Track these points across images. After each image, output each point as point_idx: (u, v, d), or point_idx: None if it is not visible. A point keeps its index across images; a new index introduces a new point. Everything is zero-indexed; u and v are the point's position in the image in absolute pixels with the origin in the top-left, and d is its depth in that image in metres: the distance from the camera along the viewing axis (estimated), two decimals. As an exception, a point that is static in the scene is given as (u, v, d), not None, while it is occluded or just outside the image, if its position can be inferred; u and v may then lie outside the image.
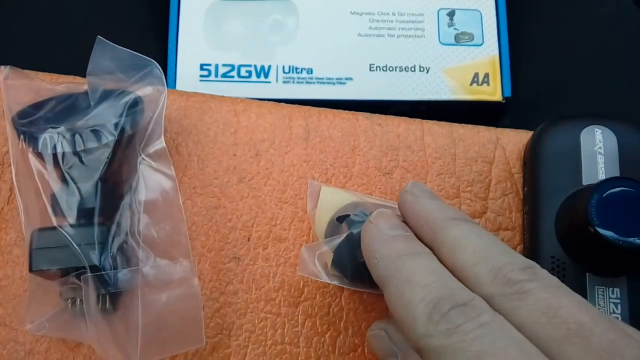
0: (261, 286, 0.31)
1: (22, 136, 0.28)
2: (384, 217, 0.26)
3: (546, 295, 0.20)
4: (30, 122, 0.28)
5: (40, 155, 0.28)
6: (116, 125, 0.28)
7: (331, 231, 0.30)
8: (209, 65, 0.40)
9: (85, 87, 0.31)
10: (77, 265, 0.26)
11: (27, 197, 0.28)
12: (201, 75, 0.40)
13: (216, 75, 0.40)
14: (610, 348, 0.19)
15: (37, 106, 0.30)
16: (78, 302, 0.28)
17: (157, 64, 0.30)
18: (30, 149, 0.28)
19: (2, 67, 0.31)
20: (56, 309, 0.28)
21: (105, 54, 0.29)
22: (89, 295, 0.27)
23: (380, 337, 0.27)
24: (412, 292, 0.21)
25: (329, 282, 0.28)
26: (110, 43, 0.30)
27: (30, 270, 0.27)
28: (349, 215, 0.29)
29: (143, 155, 0.30)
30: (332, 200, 0.30)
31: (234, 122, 0.34)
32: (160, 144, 0.30)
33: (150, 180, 0.29)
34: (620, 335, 0.19)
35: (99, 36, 0.29)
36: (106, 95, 0.30)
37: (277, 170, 0.34)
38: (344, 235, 0.28)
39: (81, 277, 0.26)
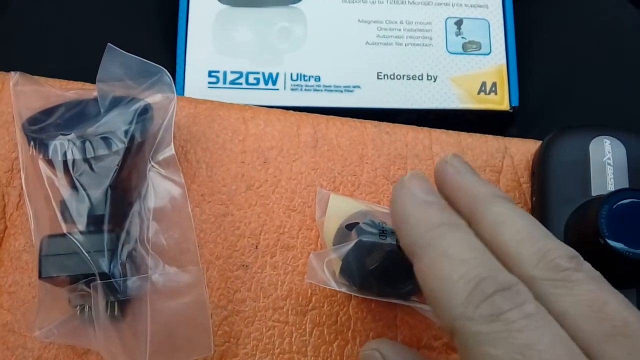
0: (269, 294, 0.31)
1: (32, 142, 0.28)
2: (418, 180, 0.24)
3: (592, 287, 0.20)
4: (40, 128, 0.28)
5: (50, 162, 0.28)
6: (126, 132, 0.28)
7: (339, 239, 0.30)
8: (217, 72, 0.40)
9: (95, 93, 0.31)
10: (86, 272, 0.27)
11: (36, 203, 0.28)
12: (209, 82, 0.40)
13: (224, 82, 0.40)
14: None
15: (47, 112, 0.30)
16: (87, 309, 0.28)
17: (166, 71, 0.30)
18: (41, 156, 0.28)
19: (12, 73, 0.31)
20: (65, 315, 0.28)
21: (115, 61, 0.30)
22: (98, 303, 0.27)
23: (373, 357, 0.26)
24: (451, 267, 0.20)
25: (337, 289, 0.28)
26: (120, 50, 0.30)
27: (40, 277, 0.27)
28: (358, 223, 0.29)
29: (152, 163, 0.30)
30: (340, 208, 0.30)
31: (243, 129, 0.34)
32: (169, 151, 0.30)
33: (160, 187, 0.29)
34: None
35: (109, 44, 0.30)
36: (116, 102, 0.30)
37: (285, 178, 0.34)
38: (352, 243, 0.28)
39: (90, 285, 0.26)
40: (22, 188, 0.31)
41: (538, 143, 0.34)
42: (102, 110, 0.30)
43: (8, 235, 0.31)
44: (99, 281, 0.26)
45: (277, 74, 0.40)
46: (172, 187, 0.30)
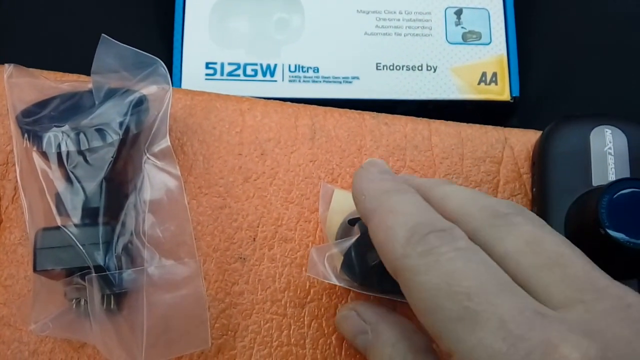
0: (267, 287, 0.31)
1: (26, 135, 0.28)
2: (375, 163, 0.27)
3: (532, 228, 0.21)
4: (34, 120, 0.28)
5: (44, 154, 0.28)
6: (121, 124, 0.28)
7: (342, 234, 0.29)
8: (215, 63, 0.40)
9: (90, 85, 0.30)
10: (81, 265, 0.26)
11: (31, 196, 0.28)
12: (206, 74, 0.40)
13: (222, 74, 0.40)
14: (586, 277, 0.19)
15: (42, 105, 0.29)
16: (82, 302, 0.28)
17: (162, 62, 0.30)
18: (35, 148, 0.28)
19: (6, 65, 0.31)
20: (60, 309, 0.28)
21: (110, 52, 0.29)
22: (93, 296, 0.26)
23: (350, 317, 0.28)
24: (395, 219, 0.22)
25: (337, 284, 0.28)
26: (115, 41, 0.29)
27: (35, 270, 0.26)
28: (359, 218, 0.29)
29: (148, 155, 0.30)
30: (344, 204, 0.30)
31: (240, 121, 0.34)
32: (165, 143, 0.30)
33: (155, 179, 0.29)
34: (597, 268, 0.20)
35: (103, 34, 0.29)
36: (111, 93, 0.30)
37: (283, 170, 0.33)
38: (354, 238, 0.28)
39: (86, 278, 0.26)
40: (17, 181, 0.31)
41: (538, 133, 0.34)
42: (97, 102, 0.29)
43: (3, 228, 0.31)
44: (94, 274, 0.26)
45: (275, 66, 0.40)
46: (168, 179, 0.29)
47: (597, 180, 0.30)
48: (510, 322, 0.18)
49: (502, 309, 0.18)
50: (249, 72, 0.40)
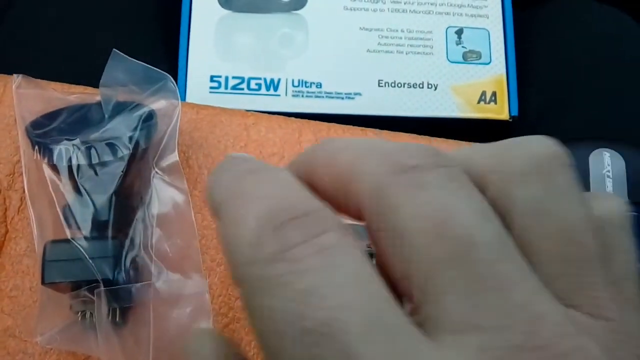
0: (270, 301, 0.31)
1: (36, 147, 0.28)
2: (236, 155, 0.18)
3: (445, 194, 0.14)
4: (44, 132, 0.28)
5: (54, 167, 0.28)
6: (131, 138, 0.28)
7: None
8: (219, 77, 0.40)
9: (98, 98, 0.31)
10: (90, 278, 0.26)
11: (40, 207, 0.28)
12: (211, 87, 0.40)
13: (226, 87, 0.40)
14: (499, 286, 0.13)
15: (50, 116, 0.30)
16: (88, 315, 0.28)
17: (171, 77, 0.30)
18: (45, 160, 0.28)
19: (15, 75, 0.31)
20: (66, 321, 0.28)
21: (120, 67, 0.30)
22: (100, 309, 0.27)
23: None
24: (244, 207, 0.15)
25: None
26: (125, 56, 0.30)
27: (43, 282, 0.27)
28: None
29: (156, 169, 0.30)
30: None
31: (244, 135, 0.34)
32: (173, 157, 0.30)
33: (163, 194, 0.29)
34: (534, 281, 0.14)
35: (114, 49, 0.29)
36: (120, 107, 0.30)
37: (287, 185, 0.34)
38: None
39: (94, 291, 0.26)
40: (24, 192, 0.31)
41: (537, 153, 0.35)
42: (105, 116, 0.30)
43: (9, 239, 0.31)
44: (102, 288, 0.26)
45: (279, 80, 0.40)
46: (176, 193, 0.30)
47: (595, 202, 0.31)
48: None
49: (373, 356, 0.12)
50: (252, 86, 0.40)
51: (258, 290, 0.14)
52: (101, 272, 0.26)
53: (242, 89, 0.40)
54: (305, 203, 0.15)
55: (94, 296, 0.27)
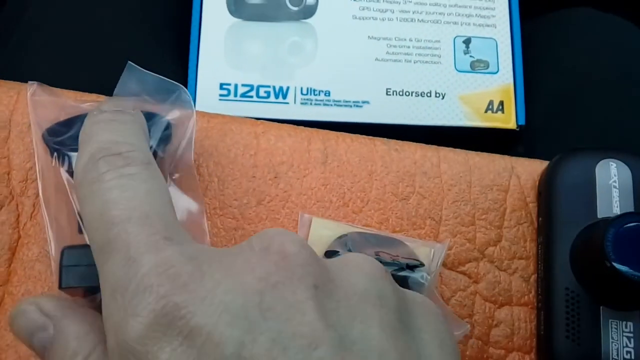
0: (278, 308, 0.32)
1: (55, 154, 0.28)
2: (110, 100, 0.27)
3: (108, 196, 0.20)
4: (62, 140, 0.28)
5: (72, 173, 0.28)
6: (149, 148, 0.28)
7: None
8: (229, 84, 0.41)
9: None
10: None
11: (57, 213, 0.28)
12: (220, 95, 0.40)
13: (235, 95, 0.41)
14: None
15: (66, 124, 0.30)
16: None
17: (185, 88, 0.31)
18: (64, 167, 0.28)
19: (30, 82, 0.31)
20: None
21: (134, 78, 0.30)
22: None
23: (28, 312, 0.23)
24: (85, 147, 0.22)
25: None
26: (140, 68, 0.30)
27: (60, 287, 0.27)
28: (338, 252, 0.30)
29: (172, 178, 0.30)
30: (323, 233, 0.31)
31: (254, 144, 0.35)
32: (189, 167, 0.30)
33: (178, 203, 0.29)
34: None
35: (129, 62, 0.30)
36: None
37: (296, 193, 0.34)
38: None
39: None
40: (36, 198, 0.32)
41: (544, 163, 0.35)
42: None
43: (22, 244, 0.32)
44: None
45: (288, 88, 0.41)
46: (191, 202, 0.30)
47: (602, 213, 0.31)
48: (132, 248, 0.18)
49: (132, 237, 0.19)
50: (262, 93, 0.41)
51: (83, 202, 0.21)
52: None
53: (252, 96, 0.41)
54: (122, 145, 0.22)
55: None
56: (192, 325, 0.17)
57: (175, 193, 0.30)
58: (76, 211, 0.27)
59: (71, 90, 0.35)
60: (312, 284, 0.18)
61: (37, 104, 0.31)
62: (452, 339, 0.20)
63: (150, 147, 0.29)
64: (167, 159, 0.30)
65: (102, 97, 0.34)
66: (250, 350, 0.16)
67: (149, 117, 0.29)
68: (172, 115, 0.30)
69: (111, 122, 0.24)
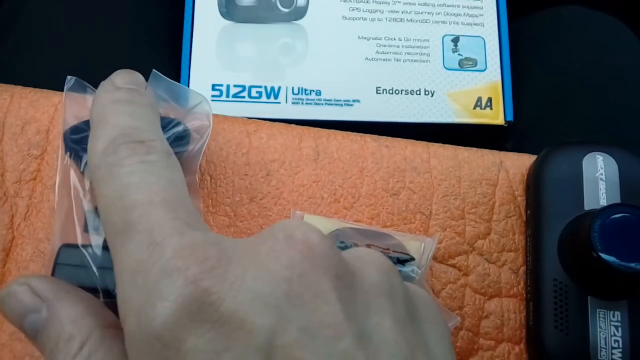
0: (271, 304, 0.32)
1: (69, 152, 0.29)
2: (124, 73, 0.25)
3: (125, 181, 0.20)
4: (80, 138, 0.28)
5: (82, 174, 0.29)
6: None
7: None
8: (221, 85, 0.41)
9: None
10: (93, 286, 0.27)
11: (60, 210, 0.29)
12: (213, 95, 0.41)
13: (227, 96, 0.41)
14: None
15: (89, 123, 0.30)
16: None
17: (207, 100, 0.31)
18: (74, 167, 0.29)
19: (69, 77, 0.30)
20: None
21: (159, 86, 0.30)
22: None
23: (19, 292, 0.22)
24: (102, 130, 0.22)
25: None
26: (164, 77, 0.30)
27: None
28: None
29: None
30: None
31: (246, 142, 0.35)
32: (193, 177, 0.30)
33: None
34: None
35: (154, 70, 0.29)
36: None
37: (288, 190, 0.34)
38: None
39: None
40: (30, 199, 0.32)
41: (533, 157, 0.36)
42: None
43: (16, 245, 0.32)
44: (102, 298, 0.27)
45: (279, 88, 0.41)
46: None
47: (589, 205, 0.31)
48: (156, 231, 0.18)
49: (154, 220, 0.18)
50: (253, 94, 0.41)
51: (100, 184, 0.20)
52: (103, 282, 0.27)
53: (244, 97, 0.41)
54: (145, 134, 0.21)
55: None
56: (222, 311, 0.17)
57: None
58: (75, 211, 0.28)
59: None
60: (335, 274, 0.18)
61: (72, 99, 0.30)
62: (448, 330, 0.21)
63: None
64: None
65: None
66: (281, 339, 0.16)
67: (169, 122, 0.29)
68: (192, 124, 0.30)
69: (129, 104, 0.23)
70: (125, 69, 0.25)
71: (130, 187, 0.19)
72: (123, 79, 0.25)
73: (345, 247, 0.30)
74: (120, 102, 0.23)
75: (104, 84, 0.24)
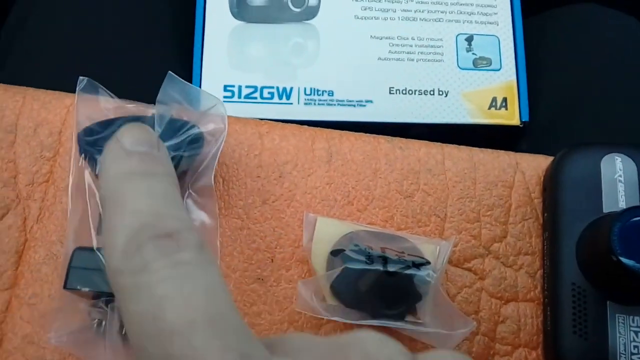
0: (284, 307, 0.32)
1: (83, 154, 0.28)
2: (133, 130, 0.21)
3: (162, 290, 0.16)
4: (94, 140, 0.28)
5: (96, 176, 0.28)
6: (173, 159, 0.28)
7: (329, 264, 0.30)
8: (232, 86, 0.41)
9: (152, 111, 0.30)
10: (108, 290, 0.27)
11: (74, 213, 0.28)
12: (224, 96, 0.41)
13: (239, 96, 0.41)
14: None
15: (104, 125, 0.29)
16: (104, 324, 0.28)
17: (222, 102, 0.30)
18: (89, 169, 0.28)
19: (81, 77, 0.30)
20: (81, 325, 0.28)
21: (174, 88, 0.29)
22: (113, 322, 0.27)
23: None
24: (119, 219, 0.18)
25: (328, 317, 0.29)
26: (179, 78, 0.29)
27: (65, 287, 0.27)
28: (344, 250, 0.30)
29: (190, 190, 0.30)
30: (328, 232, 0.31)
31: (259, 144, 0.35)
32: (208, 182, 0.30)
33: (193, 216, 0.29)
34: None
35: (169, 72, 0.29)
36: (171, 124, 0.29)
37: (300, 192, 0.34)
38: (339, 270, 0.28)
39: (109, 304, 0.27)
40: (42, 201, 0.32)
41: (549, 159, 0.35)
42: (156, 130, 0.29)
43: (28, 247, 0.32)
44: (116, 302, 0.27)
45: (291, 89, 0.41)
46: (205, 217, 0.30)
47: (607, 207, 0.31)
48: None
49: (201, 353, 0.15)
50: (265, 94, 0.41)
51: (126, 297, 0.17)
52: None
53: (255, 97, 0.41)
54: (172, 222, 0.18)
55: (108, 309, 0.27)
56: None
57: (191, 207, 0.30)
58: (90, 214, 0.27)
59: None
60: None
61: (84, 101, 0.30)
62: None
63: (180, 157, 0.28)
64: (191, 170, 0.30)
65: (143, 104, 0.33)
66: None
67: (183, 124, 0.29)
68: (206, 127, 0.30)
69: (146, 178, 0.19)
70: (134, 123, 0.22)
71: (165, 304, 0.16)
72: (133, 139, 0.21)
73: (360, 251, 0.29)
74: (135, 175, 0.19)
75: (111, 147, 0.21)
